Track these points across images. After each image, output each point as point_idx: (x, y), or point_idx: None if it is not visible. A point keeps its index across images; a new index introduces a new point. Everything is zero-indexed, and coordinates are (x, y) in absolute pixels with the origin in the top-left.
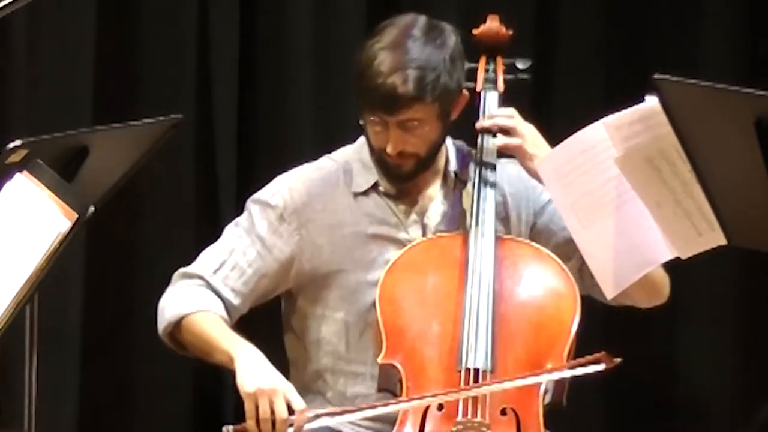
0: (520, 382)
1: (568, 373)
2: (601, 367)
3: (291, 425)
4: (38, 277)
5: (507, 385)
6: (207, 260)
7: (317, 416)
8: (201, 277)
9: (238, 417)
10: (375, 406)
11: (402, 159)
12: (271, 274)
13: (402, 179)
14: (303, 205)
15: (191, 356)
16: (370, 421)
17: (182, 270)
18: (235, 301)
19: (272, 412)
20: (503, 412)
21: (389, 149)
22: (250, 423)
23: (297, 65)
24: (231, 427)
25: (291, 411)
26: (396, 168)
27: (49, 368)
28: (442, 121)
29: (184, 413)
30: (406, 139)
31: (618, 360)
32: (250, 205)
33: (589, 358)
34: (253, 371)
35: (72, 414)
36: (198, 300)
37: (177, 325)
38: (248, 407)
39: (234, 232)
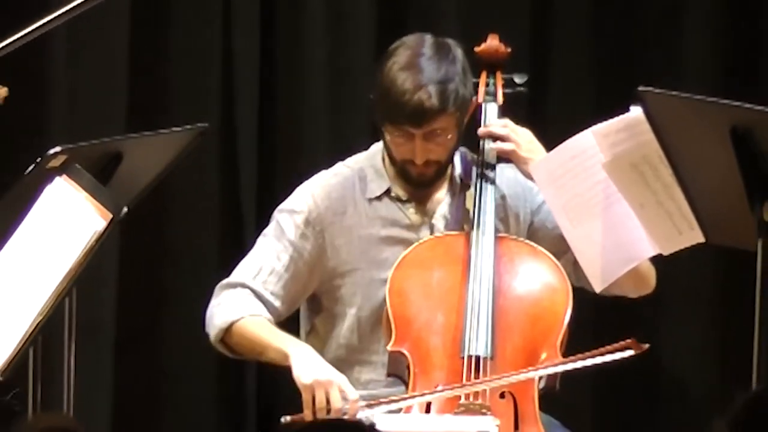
0: (552, 370)
1: (599, 360)
2: (629, 353)
3: (345, 414)
4: (76, 272)
5: (543, 372)
6: (245, 269)
7: (369, 405)
8: (243, 285)
9: (259, 402)
10: (424, 394)
11: (426, 167)
12: (301, 277)
13: (424, 185)
14: (325, 209)
15: (244, 359)
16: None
17: (224, 282)
18: (276, 303)
19: (327, 402)
20: (502, 396)
21: (417, 159)
22: (306, 413)
23: (312, 80)
24: (288, 417)
25: (344, 401)
26: (419, 176)
27: (86, 357)
28: (459, 129)
29: (209, 400)
30: (431, 148)
31: (646, 346)
32: (277, 214)
33: (616, 345)
34: (309, 365)
35: (106, 399)
36: (244, 306)
37: (227, 331)
38: (306, 398)
39: (265, 241)
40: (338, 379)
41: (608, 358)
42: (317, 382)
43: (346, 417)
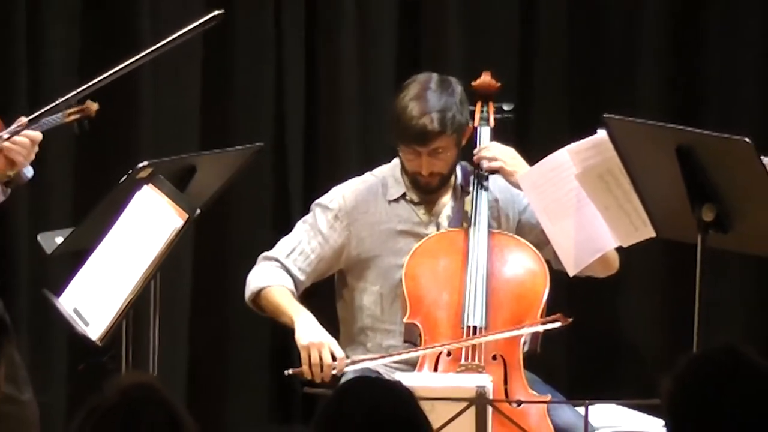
0: (504, 335)
1: (532, 329)
2: (557, 324)
3: (334, 369)
4: (159, 260)
5: (495, 336)
6: (282, 247)
7: (353, 362)
8: (277, 260)
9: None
10: (391, 355)
11: (431, 178)
12: (327, 259)
13: (430, 192)
14: (352, 208)
15: (267, 317)
16: (399, 363)
17: (264, 254)
18: (301, 277)
19: (320, 359)
20: (494, 357)
21: (424, 171)
22: (304, 368)
23: (347, 105)
24: (291, 370)
25: (334, 359)
26: (426, 185)
27: (167, 326)
28: (457, 147)
29: (263, 359)
30: (434, 163)
31: (570, 320)
32: (314, 207)
33: (548, 318)
34: (306, 329)
35: (183, 359)
36: (273, 277)
37: (258, 294)
38: (303, 356)
39: (302, 227)
40: (328, 341)
41: (541, 328)
42: (311, 343)
43: (335, 372)
